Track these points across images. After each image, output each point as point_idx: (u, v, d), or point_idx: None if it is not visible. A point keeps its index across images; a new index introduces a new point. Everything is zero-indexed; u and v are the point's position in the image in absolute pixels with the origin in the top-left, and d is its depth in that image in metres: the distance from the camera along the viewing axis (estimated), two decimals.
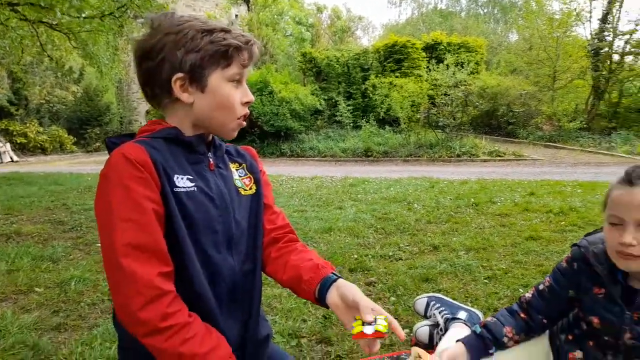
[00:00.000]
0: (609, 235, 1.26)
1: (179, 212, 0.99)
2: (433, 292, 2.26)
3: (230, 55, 1.03)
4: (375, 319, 0.93)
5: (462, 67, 12.95)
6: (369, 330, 0.91)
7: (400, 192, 6.03)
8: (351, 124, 15.10)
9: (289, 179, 8.04)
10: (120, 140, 1.06)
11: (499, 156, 11.71)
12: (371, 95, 14.92)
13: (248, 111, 1.11)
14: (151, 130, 1.07)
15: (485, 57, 18.04)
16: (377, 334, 0.92)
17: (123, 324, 0.91)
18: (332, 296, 1.03)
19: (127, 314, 0.89)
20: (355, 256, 3.26)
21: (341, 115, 15.07)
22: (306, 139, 14.89)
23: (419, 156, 12.13)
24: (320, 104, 15.54)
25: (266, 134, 14.65)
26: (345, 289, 1.02)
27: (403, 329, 2.14)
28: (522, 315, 1.52)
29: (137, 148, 0.96)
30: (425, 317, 2.06)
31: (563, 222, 4.06)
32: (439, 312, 1.96)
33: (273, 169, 9.62)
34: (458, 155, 11.82)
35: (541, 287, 1.52)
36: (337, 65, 16.62)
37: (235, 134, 1.13)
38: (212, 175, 1.10)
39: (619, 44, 15.11)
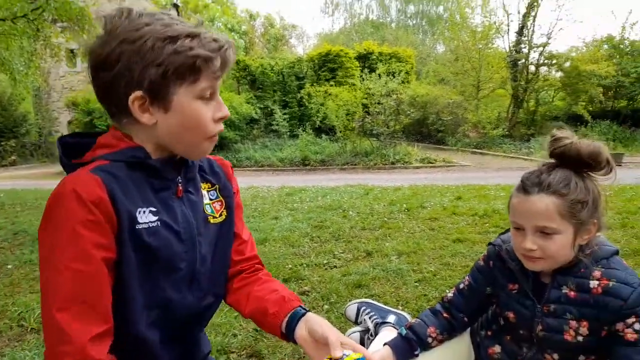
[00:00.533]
0: (514, 239, 1.32)
1: (137, 252, 0.90)
2: (365, 297, 2.28)
3: (198, 67, 0.87)
4: (343, 355, 0.90)
5: (394, 76, 13.41)
6: None
7: (336, 200, 6.09)
8: (288, 133, 15.11)
9: None
10: (75, 140, 0.97)
11: (430, 163, 12.19)
12: (307, 104, 15.05)
13: (222, 127, 0.97)
14: (112, 147, 0.93)
15: (415, 67, 18.80)
16: None
17: None
18: (301, 331, 1.00)
19: None
20: (290, 266, 3.24)
21: (277, 124, 15.05)
22: (242, 148, 14.68)
23: (355, 164, 12.36)
24: (256, 113, 15.44)
25: None
26: (314, 322, 0.98)
27: None
28: (445, 314, 1.56)
29: (92, 182, 0.84)
30: (357, 323, 2.07)
31: (487, 224, 4.27)
32: (369, 317, 1.98)
33: None
34: (392, 163, 12.17)
35: (461, 286, 1.57)
36: (272, 74, 16.61)
37: (208, 153, 1.01)
38: (179, 204, 0.99)
39: (534, 55, 16.33)
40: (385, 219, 4.78)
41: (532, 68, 16.40)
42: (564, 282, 1.30)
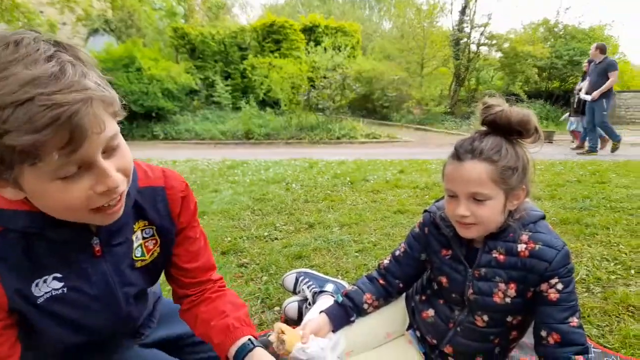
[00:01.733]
0: (448, 206, 1.34)
1: (49, 319, 0.85)
2: (305, 268, 2.26)
3: (26, 154, 0.63)
4: None
5: (340, 50, 13.33)
6: None
7: (279, 173, 6.02)
8: (230, 105, 14.67)
9: (161, 163, 7.58)
10: None
11: (375, 138, 12.35)
12: (250, 75, 14.66)
13: (117, 193, 0.76)
14: (9, 206, 0.77)
15: (361, 42, 18.80)
16: None
17: None
18: None
19: None
20: (229, 238, 3.16)
21: (219, 96, 14.56)
22: (181, 120, 14.05)
23: (300, 138, 12.29)
24: (196, 84, 14.80)
25: (135, 114, 13.29)
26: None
27: (274, 307, 2.10)
28: (381, 281, 1.57)
29: None
30: (295, 293, 2.05)
31: (427, 196, 4.38)
32: (307, 287, 1.96)
33: (143, 154, 8.96)
34: (338, 138, 12.21)
35: (397, 253, 1.58)
36: (213, 43, 15.95)
37: (115, 217, 0.81)
38: (96, 265, 0.89)
39: (475, 35, 16.79)
40: (329, 191, 4.79)
41: (473, 47, 16.88)
42: (494, 246, 1.33)
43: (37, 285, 0.82)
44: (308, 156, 7.94)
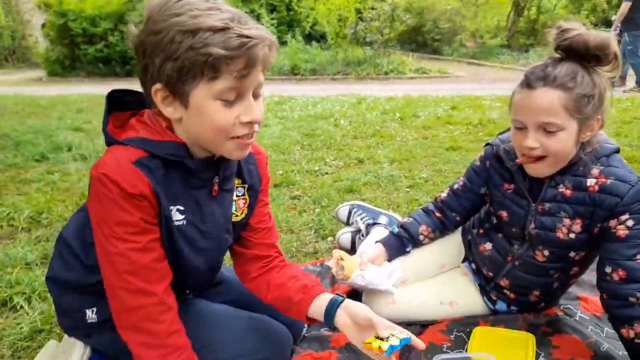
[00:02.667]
0: (515, 138, 1.28)
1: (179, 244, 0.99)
2: (357, 201, 2.28)
3: (213, 66, 0.81)
4: (390, 335, 0.92)
5: None
6: (385, 346, 0.90)
7: (327, 109, 5.95)
8: (276, 40, 14.40)
9: None
10: (125, 97, 0.99)
11: (425, 73, 11.86)
12: (296, 8, 14.20)
13: (254, 129, 0.92)
14: (154, 134, 0.92)
15: None
16: (395, 353, 0.91)
17: None
18: (342, 318, 1.02)
19: None
20: (281, 172, 3.22)
21: None
22: None
23: (347, 74, 11.99)
24: None
25: None
26: (355, 308, 1.01)
27: (327, 237, 2.16)
28: (437, 214, 1.57)
29: (135, 175, 0.87)
30: (348, 224, 2.09)
31: (481, 133, 4.23)
32: (361, 219, 1.99)
33: None
34: (386, 73, 11.81)
35: (455, 186, 1.55)
36: None
37: (244, 153, 0.97)
38: (211, 203, 1.02)
39: None
40: (378, 127, 4.72)
41: None
42: (561, 180, 1.28)
43: (172, 211, 0.95)
44: (355, 92, 7.78)
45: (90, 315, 1.08)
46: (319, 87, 9.73)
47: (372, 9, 11.97)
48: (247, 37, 0.81)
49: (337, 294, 1.08)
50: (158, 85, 0.85)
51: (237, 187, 1.10)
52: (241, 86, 0.85)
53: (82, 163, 3.53)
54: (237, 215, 1.10)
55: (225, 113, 0.86)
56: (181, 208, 0.96)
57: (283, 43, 13.96)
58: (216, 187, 1.01)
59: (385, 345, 0.89)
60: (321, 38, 13.40)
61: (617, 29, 6.81)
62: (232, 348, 1.08)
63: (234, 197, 1.09)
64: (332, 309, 1.03)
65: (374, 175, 3.06)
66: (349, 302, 1.04)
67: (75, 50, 11.79)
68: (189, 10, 0.82)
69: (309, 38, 13.84)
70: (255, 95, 0.90)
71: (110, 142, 0.93)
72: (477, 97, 6.80)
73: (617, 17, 6.85)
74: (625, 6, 6.78)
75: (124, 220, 0.88)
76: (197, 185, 0.98)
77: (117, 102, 0.99)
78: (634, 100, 5.65)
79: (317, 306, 1.05)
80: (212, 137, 0.90)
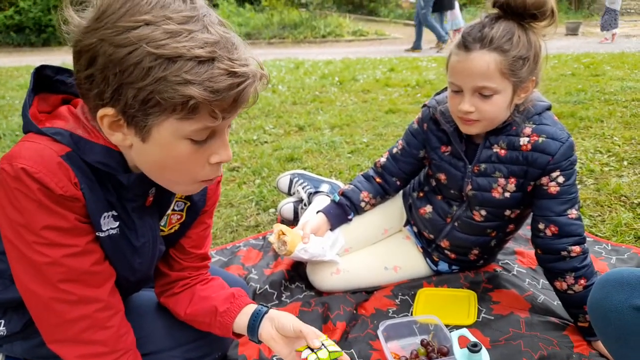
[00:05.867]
0: (451, 101, 1.26)
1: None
2: (298, 170, 2.22)
3: (192, 107, 0.65)
4: (322, 346, 0.86)
5: None
6: (323, 354, 0.85)
7: None
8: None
9: None
10: (56, 74, 0.81)
11: (363, 36, 11.79)
12: None
13: (220, 173, 0.79)
14: (85, 134, 0.75)
15: None
16: None
17: None
18: (267, 329, 0.93)
19: None
20: None
21: None
22: None
23: (283, 38, 11.69)
24: None
25: None
26: (282, 319, 0.92)
27: (269, 209, 2.10)
28: (378, 179, 1.55)
29: (65, 173, 0.71)
30: (289, 194, 2.04)
31: (419, 95, 4.27)
32: (302, 188, 1.94)
33: None
34: (323, 36, 11.64)
35: (394, 150, 1.53)
36: None
37: (197, 191, 0.86)
38: (145, 215, 0.87)
39: None
40: (317, 92, 4.64)
41: None
42: (496, 141, 1.28)
43: (103, 218, 0.80)
44: (292, 56, 7.61)
45: None
46: (255, 52, 9.41)
47: None
48: (237, 75, 0.66)
49: (260, 304, 0.99)
50: (108, 110, 0.68)
51: (177, 200, 0.96)
52: (218, 125, 0.71)
53: None
54: (163, 230, 0.96)
55: (194, 155, 0.73)
56: (115, 214, 0.82)
57: (215, 6, 13.31)
58: (151, 198, 0.88)
59: (323, 355, 0.85)
60: (254, 0, 12.90)
61: None
62: (164, 341, 1.00)
63: (169, 211, 0.95)
64: (255, 321, 0.94)
65: (315, 142, 3.01)
66: (274, 313, 0.95)
67: None
68: (163, 20, 0.64)
69: (241, 0, 13.27)
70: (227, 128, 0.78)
71: (29, 129, 0.76)
72: (415, 58, 6.87)
73: None
74: None
75: (54, 225, 0.73)
76: (129, 198, 0.83)
77: (46, 82, 0.81)
78: (559, 57, 5.91)
79: (242, 319, 0.96)
80: (170, 176, 0.77)
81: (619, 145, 2.52)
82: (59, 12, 0.70)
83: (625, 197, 1.93)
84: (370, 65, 6.28)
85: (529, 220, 1.37)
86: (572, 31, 9.81)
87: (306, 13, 12.14)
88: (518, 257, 1.59)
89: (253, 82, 0.69)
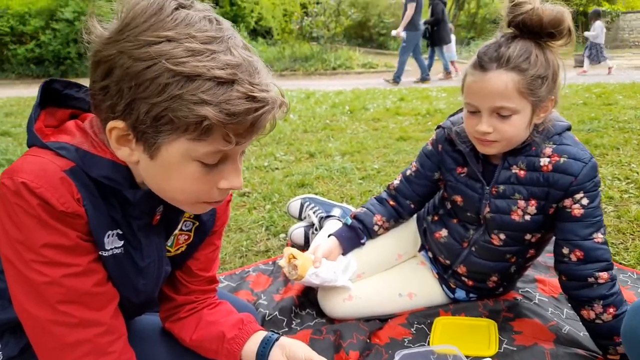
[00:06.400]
0: (468, 122, 1.23)
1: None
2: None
3: (205, 128, 0.64)
4: None
5: None
6: None
7: None
8: None
9: None
10: (65, 90, 0.79)
11: (372, 67, 11.98)
12: (240, 2, 13.96)
13: (228, 195, 0.78)
14: (91, 148, 0.73)
15: None
16: None
17: None
18: (277, 358, 0.89)
19: None
20: None
21: None
22: None
23: (294, 70, 11.90)
24: None
25: None
26: (293, 346, 0.89)
27: (279, 234, 2.06)
28: (391, 202, 1.50)
29: (68, 188, 0.68)
30: (300, 219, 1.99)
31: (430, 123, 4.27)
32: (313, 212, 1.90)
33: None
34: (334, 68, 11.83)
35: (408, 172, 1.49)
36: None
37: (205, 211, 0.83)
38: (151, 234, 0.84)
39: None
40: (328, 121, 4.66)
41: None
42: (515, 162, 1.24)
43: (107, 237, 0.77)
44: (303, 87, 7.72)
45: None
46: None
47: (317, 3, 11.95)
48: (256, 100, 0.64)
49: (271, 331, 0.95)
50: (119, 123, 0.66)
51: (185, 220, 0.92)
52: (231, 150, 0.69)
53: None
54: (169, 251, 0.92)
55: (203, 179, 0.71)
56: (120, 232, 0.79)
57: None
58: (158, 216, 0.84)
59: None
60: (267, 34, 13.23)
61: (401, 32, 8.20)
62: None
63: (176, 231, 0.92)
64: (265, 348, 0.90)
65: (325, 168, 2.98)
66: (285, 341, 0.91)
67: (4, 50, 11.02)
68: (186, 38, 0.63)
69: (254, 34, 13.63)
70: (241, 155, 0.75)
71: (33, 143, 0.73)
72: (424, 88, 6.92)
73: (404, 19, 8.01)
74: (411, 8, 7.85)
75: (54, 242, 0.69)
76: (135, 216, 0.80)
77: (55, 96, 0.79)
78: (571, 87, 5.91)
79: (250, 347, 0.92)
80: (176, 196, 0.75)
81: (638, 172, 2.46)
82: (83, 23, 0.69)
83: None
84: (380, 95, 6.32)
85: (549, 248, 1.31)
86: (581, 63, 9.89)
87: (317, 46, 12.38)
88: (539, 285, 1.52)
89: (272, 109, 0.67)
